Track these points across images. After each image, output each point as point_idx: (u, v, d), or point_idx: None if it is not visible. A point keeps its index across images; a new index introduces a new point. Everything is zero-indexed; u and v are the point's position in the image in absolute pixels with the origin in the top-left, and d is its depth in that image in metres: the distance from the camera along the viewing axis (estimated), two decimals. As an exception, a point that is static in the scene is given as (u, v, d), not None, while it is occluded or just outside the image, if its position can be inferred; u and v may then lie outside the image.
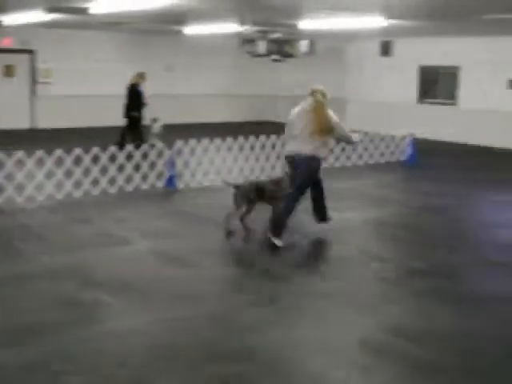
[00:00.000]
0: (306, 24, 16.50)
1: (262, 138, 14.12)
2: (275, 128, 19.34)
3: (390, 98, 22.68)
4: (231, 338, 5.91)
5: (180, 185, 12.57)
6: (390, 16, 14.40)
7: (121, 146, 13.89)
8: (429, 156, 17.11)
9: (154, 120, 17.03)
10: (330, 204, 9.77)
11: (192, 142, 13.31)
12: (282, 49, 19.65)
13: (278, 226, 8.76)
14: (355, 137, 9.45)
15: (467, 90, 21.11)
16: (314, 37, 20.32)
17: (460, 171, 15.65)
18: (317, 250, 9.14)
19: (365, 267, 8.20)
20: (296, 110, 9.28)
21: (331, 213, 9.82)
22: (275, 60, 19.58)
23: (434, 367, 5.45)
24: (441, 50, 21.34)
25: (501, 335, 6.15)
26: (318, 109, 9.11)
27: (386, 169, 15.49)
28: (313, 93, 9.35)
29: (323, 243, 9.41)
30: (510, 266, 8.37)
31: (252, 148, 13.91)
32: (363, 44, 23.50)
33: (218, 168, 13.23)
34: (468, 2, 11.68)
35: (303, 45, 20.75)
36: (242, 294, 7.11)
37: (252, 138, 13.99)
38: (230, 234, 9.34)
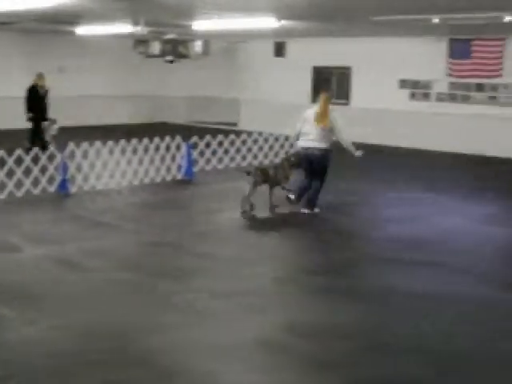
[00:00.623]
0: (199, 24, 16.46)
1: (157, 139, 14.00)
2: (170, 129, 19.28)
3: (285, 98, 22.85)
4: (128, 342, 5.82)
5: (73, 189, 12.31)
6: (281, 17, 14.53)
7: (30, 149, 13.40)
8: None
9: (51, 122, 16.62)
10: (224, 204, 9.78)
11: (85, 144, 13.07)
12: (176, 49, 19.58)
13: (312, 201, 11.01)
14: (358, 152, 11.05)
15: (359, 90, 21.54)
16: (208, 37, 20.34)
17: (352, 170, 15.91)
18: (209, 250, 9.08)
19: (259, 266, 8.24)
20: (309, 111, 11.02)
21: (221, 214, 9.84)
22: (169, 61, 19.49)
23: (328, 364, 5.52)
24: (333, 51, 21.68)
25: (397, 329, 6.28)
26: (324, 111, 10.79)
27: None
28: (322, 93, 11.23)
29: (214, 243, 9.37)
30: (401, 260, 8.56)
31: (146, 150, 13.77)
32: (257, 45, 23.63)
33: (111, 171, 13.01)
34: (357, 4, 11.90)
35: (197, 45, 20.73)
36: (139, 296, 7.03)
37: (146, 140, 13.84)
38: (244, 213, 10.68)
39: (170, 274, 7.83)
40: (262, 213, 11.06)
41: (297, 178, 11.37)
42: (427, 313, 6.72)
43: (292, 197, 11.04)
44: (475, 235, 10.03)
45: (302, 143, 10.99)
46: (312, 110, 10.98)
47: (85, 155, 13.01)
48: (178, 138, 14.17)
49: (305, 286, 7.60)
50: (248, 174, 10.85)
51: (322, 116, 10.79)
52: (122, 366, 5.42)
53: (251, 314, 6.61)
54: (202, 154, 14.70)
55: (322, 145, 10.83)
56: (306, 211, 11.05)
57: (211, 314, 6.58)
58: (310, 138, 10.83)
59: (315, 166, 10.93)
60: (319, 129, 10.76)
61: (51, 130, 16.48)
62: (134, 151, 13.60)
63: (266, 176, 10.90)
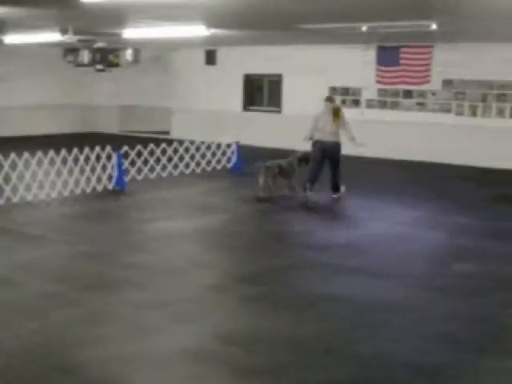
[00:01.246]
0: (129, 33, 16.33)
1: (87, 149, 13.83)
2: (102, 139, 19.08)
3: (217, 106, 22.89)
4: (58, 356, 5.72)
5: (0, 201, 12.06)
6: (211, 25, 14.53)
7: None
8: (254, 162, 17.37)
9: None
10: (156, 213, 9.71)
11: (13, 155, 12.84)
12: (106, 58, 19.39)
13: (336, 186, 13.26)
14: (361, 143, 13.18)
15: (290, 98, 21.69)
16: (139, 46, 20.20)
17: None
18: (141, 261, 8.98)
19: (191, 276, 8.21)
20: (320, 115, 13.30)
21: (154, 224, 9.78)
22: (99, 70, 19.29)
23: (261, 371, 5.53)
24: (265, 59, 21.78)
25: (326, 335, 6.32)
26: (337, 110, 13.27)
27: (212, 176, 15.62)
28: (328, 99, 13.82)
29: (146, 253, 9.29)
30: (332, 265, 8.64)
31: (76, 160, 13.57)
32: (188, 53, 23.58)
33: (41, 182, 12.76)
34: (285, 13, 11.97)
35: (128, 54, 20.59)
36: (69, 309, 6.92)
37: (76, 150, 13.66)
38: (260, 199, 12.75)
39: (102, 285, 7.74)
40: (196, 221, 11.05)
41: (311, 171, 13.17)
42: (356, 318, 6.81)
43: (307, 188, 13.04)
44: (403, 239, 10.20)
45: (320, 137, 13.09)
46: (322, 114, 13.27)
47: (13, 166, 12.77)
48: (109, 148, 14.03)
49: (236, 294, 7.59)
50: (266, 168, 12.95)
51: (337, 117, 13.11)
52: (52, 379, 5.32)
53: (182, 324, 6.57)
54: (133, 163, 14.59)
55: (336, 139, 13.10)
56: (336, 195, 13.26)
57: (142, 325, 6.52)
58: (327, 134, 13.04)
59: (333, 155, 13.11)
60: (334, 126, 13.05)
61: None
62: (64, 161, 13.40)
63: (280, 169, 13.05)
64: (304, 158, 13.33)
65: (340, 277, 8.25)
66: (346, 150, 13.49)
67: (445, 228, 10.90)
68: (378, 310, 7.03)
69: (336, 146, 13.10)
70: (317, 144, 13.12)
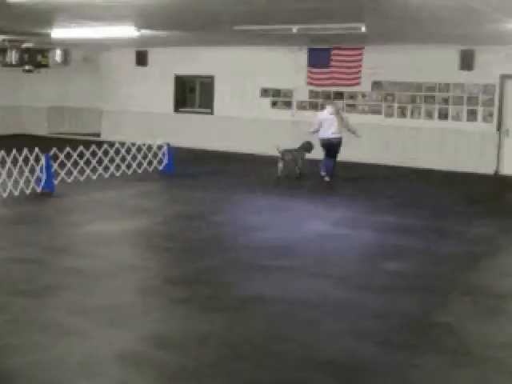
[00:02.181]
0: (58, 33, 16.07)
1: (14, 151, 13.56)
2: (30, 141, 18.75)
3: (148, 107, 22.71)
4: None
5: None
6: (141, 26, 14.42)
7: None
8: (186, 164, 17.37)
9: None
10: (86, 216, 9.56)
11: None
12: (35, 58, 19.09)
13: (329, 172, 15.52)
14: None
15: (222, 99, 21.67)
16: (69, 46, 19.94)
17: (216, 177, 16.04)
18: (71, 265, 8.80)
19: (121, 279, 8.11)
20: (324, 112, 15.79)
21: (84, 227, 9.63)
22: (27, 70, 18.95)
23: (192, 375, 5.49)
24: (196, 60, 21.70)
25: (259, 337, 6.32)
26: (339, 112, 15.97)
27: (143, 178, 15.48)
28: (330, 103, 16.40)
29: (76, 257, 9.13)
30: (268, 267, 8.64)
31: (3, 162, 13.30)
32: (119, 53, 23.33)
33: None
34: (215, 14, 11.95)
35: (57, 54, 20.31)
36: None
37: (3, 153, 13.38)
38: (278, 178, 15.45)
39: (30, 291, 7.56)
40: (127, 223, 10.95)
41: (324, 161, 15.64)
42: (289, 318, 6.84)
43: (325, 176, 15.55)
44: (333, 239, 10.30)
45: (327, 135, 15.44)
46: (326, 114, 15.58)
47: None
48: (37, 150, 13.77)
49: (168, 297, 7.54)
50: (282, 155, 15.48)
51: (339, 116, 15.58)
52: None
53: (111, 329, 6.47)
54: (62, 165, 14.35)
55: (339, 135, 15.50)
56: (328, 179, 15.45)
57: (71, 330, 6.40)
58: (332, 131, 15.38)
59: (336, 149, 15.52)
60: (338, 124, 15.41)
61: None
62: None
63: (292, 155, 15.71)
64: (310, 148, 15.93)
65: (273, 277, 8.26)
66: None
67: (370, 227, 11.06)
68: (313, 311, 7.07)
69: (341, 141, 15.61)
70: (326, 141, 15.51)
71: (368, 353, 5.99)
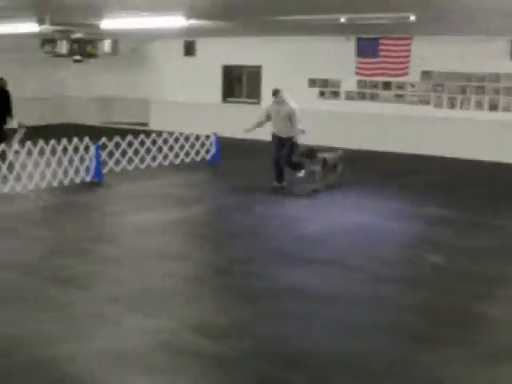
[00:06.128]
0: (108, 24, 16.19)
1: (64, 141, 13.72)
2: (79, 130, 18.93)
3: (195, 97, 22.77)
4: (27, 352, 5.67)
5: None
6: (190, 16, 14.44)
7: None
8: (233, 155, 17.37)
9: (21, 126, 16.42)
10: (133, 206, 9.64)
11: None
12: (84, 49, 19.22)
13: (295, 166, 13.99)
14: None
15: (269, 89, 21.54)
16: (117, 36, 20.04)
17: (263, 170, 15.99)
18: (114, 254, 8.87)
19: (166, 267, 8.16)
20: (270, 104, 14.33)
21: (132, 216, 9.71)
22: (77, 60, 19.10)
23: (234, 364, 5.53)
24: (244, 50, 21.69)
25: (295, 330, 6.32)
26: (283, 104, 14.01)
27: (190, 168, 15.54)
28: (276, 93, 14.24)
29: (119, 246, 9.22)
30: (302, 258, 8.64)
31: (53, 152, 13.47)
32: (167, 44, 23.43)
33: (17, 174, 12.60)
34: (262, 5, 11.92)
35: (106, 45, 20.42)
36: (37, 303, 6.86)
37: (53, 142, 13.55)
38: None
39: (73, 279, 7.67)
40: (174, 213, 11.01)
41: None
42: (319, 312, 6.82)
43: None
44: (377, 231, 10.24)
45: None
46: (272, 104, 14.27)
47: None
48: (87, 140, 13.91)
49: (211, 285, 7.59)
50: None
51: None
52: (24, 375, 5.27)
53: (154, 318, 6.53)
54: (111, 155, 14.48)
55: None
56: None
57: (113, 319, 6.49)
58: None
59: None
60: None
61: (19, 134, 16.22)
62: (42, 153, 13.29)
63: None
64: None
65: (310, 269, 8.24)
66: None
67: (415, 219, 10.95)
68: (344, 307, 7.04)
69: None
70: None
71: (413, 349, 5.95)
